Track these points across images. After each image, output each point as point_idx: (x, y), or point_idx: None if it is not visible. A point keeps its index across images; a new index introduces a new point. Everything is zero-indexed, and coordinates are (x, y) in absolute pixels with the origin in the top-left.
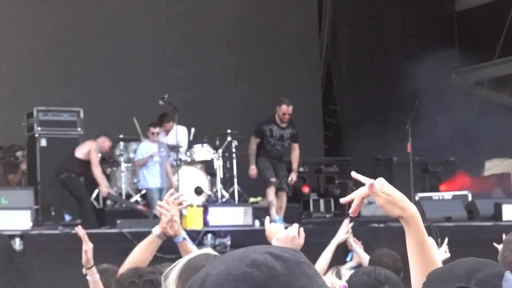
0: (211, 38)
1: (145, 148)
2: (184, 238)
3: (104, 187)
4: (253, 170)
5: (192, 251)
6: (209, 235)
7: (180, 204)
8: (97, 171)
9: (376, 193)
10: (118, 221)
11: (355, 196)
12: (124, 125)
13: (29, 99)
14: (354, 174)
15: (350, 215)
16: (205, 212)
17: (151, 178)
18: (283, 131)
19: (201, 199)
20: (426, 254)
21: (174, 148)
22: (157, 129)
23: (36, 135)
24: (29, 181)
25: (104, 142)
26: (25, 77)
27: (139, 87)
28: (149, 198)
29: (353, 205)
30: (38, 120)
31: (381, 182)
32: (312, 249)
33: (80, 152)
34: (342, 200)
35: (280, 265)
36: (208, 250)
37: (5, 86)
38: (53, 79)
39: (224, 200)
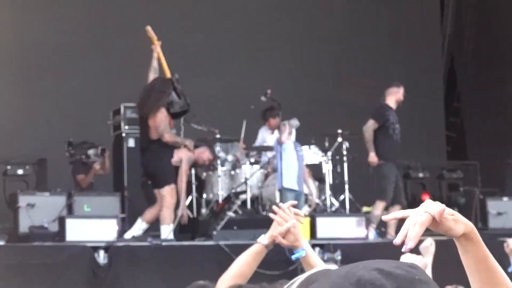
0: (321, 28)
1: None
2: (304, 250)
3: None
4: (373, 157)
5: (316, 265)
6: (317, 249)
7: (296, 215)
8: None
9: (445, 217)
10: (214, 233)
11: (417, 224)
12: (221, 123)
13: (115, 95)
14: (385, 217)
15: (404, 248)
16: (313, 222)
17: (289, 178)
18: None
19: (308, 208)
20: (493, 269)
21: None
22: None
23: (123, 135)
24: (115, 186)
25: None
26: (112, 71)
27: (239, 81)
28: (282, 200)
29: (414, 235)
30: (126, 118)
31: (441, 205)
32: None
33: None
34: (385, 218)
35: (390, 284)
36: (331, 265)
37: (88, 81)
38: (141, 73)
39: (333, 209)
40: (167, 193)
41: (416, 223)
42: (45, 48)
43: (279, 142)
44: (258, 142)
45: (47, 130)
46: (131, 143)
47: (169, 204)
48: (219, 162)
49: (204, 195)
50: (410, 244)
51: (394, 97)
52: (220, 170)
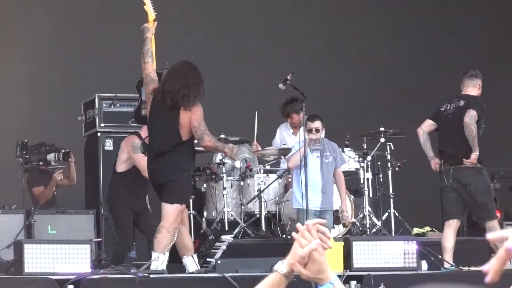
0: (348, 15)
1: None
2: (332, 285)
3: None
4: (476, 158)
5: None
6: (353, 283)
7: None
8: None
9: None
10: (218, 261)
11: (496, 258)
12: (222, 124)
13: (87, 84)
14: (490, 236)
15: (486, 279)
16: (347, 248)
17: (309, 197)
18: None
19: (341, 228)
20: None
21: None
22: (316, 124)
23: (99, 134)
24: (88, 202)
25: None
26: (84, 57)
27: (241, 81)
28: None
29: (492, 270)
30: (101, 112)
31: None
32: None
33: (120, 164)
34: (490, 237)
35: None
36: None
37: (51, 68)
38: (119, 61)
39: (374, 230)
40: (174, 212)
41: (498, 257)
42: None
43: (288, 168)
44: (276, 143)
45: None
46: (109, 145)
47: (170, 227)
48: (224, 170)
49: (205, 213)
50: (487, 278)
51: (478, 90)
52: (226, 180)
